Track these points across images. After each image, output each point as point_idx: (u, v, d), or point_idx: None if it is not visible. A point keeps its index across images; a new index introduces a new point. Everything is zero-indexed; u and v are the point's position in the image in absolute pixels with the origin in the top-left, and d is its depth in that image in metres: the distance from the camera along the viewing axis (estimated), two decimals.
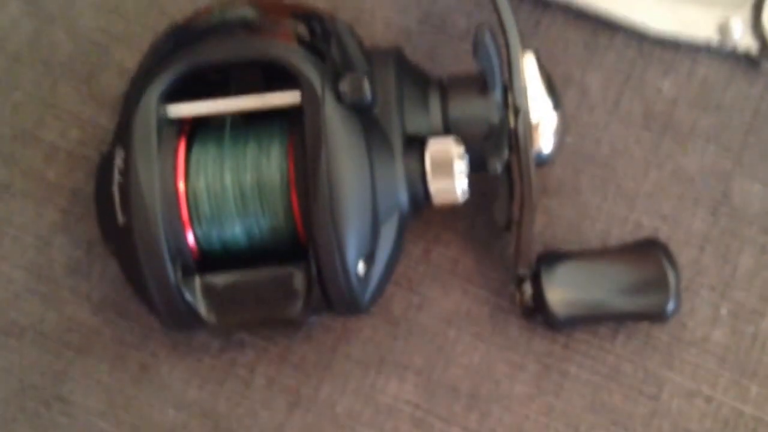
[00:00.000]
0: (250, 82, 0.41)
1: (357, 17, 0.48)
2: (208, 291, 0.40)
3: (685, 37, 0.47)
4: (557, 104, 0.42)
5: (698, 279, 0.45)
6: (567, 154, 0.45)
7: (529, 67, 0.42)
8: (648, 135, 0.46)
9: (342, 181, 0.38)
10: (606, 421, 0.43)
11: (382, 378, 0.44)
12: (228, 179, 0.40)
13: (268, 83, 0.41)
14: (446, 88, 0.42)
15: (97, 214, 0.41)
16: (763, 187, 0.46)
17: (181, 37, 0.41)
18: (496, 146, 0.41)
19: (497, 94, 0.41)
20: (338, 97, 0.39)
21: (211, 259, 0.40)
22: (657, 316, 0.43)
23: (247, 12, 0.42)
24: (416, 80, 0.42)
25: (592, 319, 0.43)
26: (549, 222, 0.45)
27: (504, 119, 0.41)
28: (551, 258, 0.43)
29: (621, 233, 0.45)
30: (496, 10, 0.41)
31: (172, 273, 0.39)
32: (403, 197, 0.40)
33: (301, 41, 0.40)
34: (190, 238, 0.40)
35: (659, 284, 0.42)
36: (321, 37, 0.41)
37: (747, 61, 0.47)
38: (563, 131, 0.43)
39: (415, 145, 0.40)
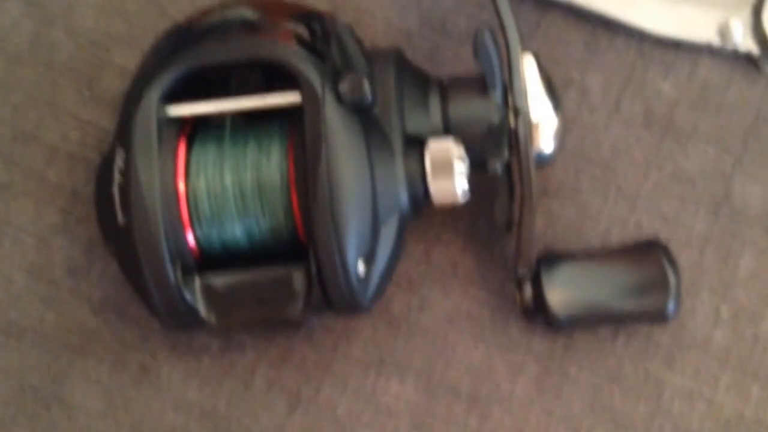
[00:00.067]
0: (251, 82, 0.41)
1: (357, 18, 0.48)
2: (208, 291, 0.40)
3: (686, 38, 0.47)
4: (557, 105, 0.42)
5: (699, 280, 0.45)
6: (567, 154, 0.45)
7: (529, 67, 0.42)
8: (648, 136, 0.46)
9: (342, 181, 0.38)
10: (606, 423, 0.43)
11: (383, 379, 0.44)
12: (228, 179, 0.40)
13: (268, 84, 0.41)
14: (446, 88, 0.42)
15: (97, 215, 0.41)
16: (763, 188, 0.46)
17: (182, 38, 0.41)
18: (496, 147, 0.41)
19: (497, 95, 0.41)
20: (338, 97, 0.39)
21: (211, 259, 0.40)
22: (657, 317, 0.43)
23: (248, 13, 0.42)
24: (416, 81, 0.42)
25: (592, 320, 0.43)
26: (549, 223, 0.45)
27: (504, 120, 0.41)
28: (552, 259, 0.43)
29: (621, 234, 0.45)
30: (496, 11, 0.41)
31: (172, 273, 0.39)
32: (403, 197, 0.40)
33: (301, 42, 0.40)
34: (190, 238, 0.40)
35: (660, 285, 0.42)
36: (321, 37, 0.41)
37: (747, 63, 0.47)
38: (563, 132, 0.43)
39: (415, 145, 0.40)
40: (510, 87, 0.41)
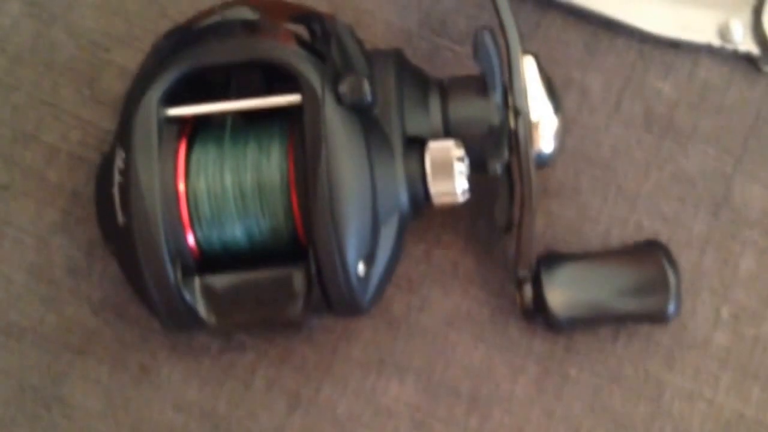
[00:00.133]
0: (251, 83, 0.41)
1: (358, 19, 0.48)
2: (208, 292, 0.40)
3: (686, 38, 0.47)
4: (557, 106, 0.42)
5: (699, 281, 0.45)
6: (567, 155, 0.45)
7: (529, 68, 0.42)
8: (649, 137, 0.46)
9: (342, 181, 0.38)
10: (607, 423, 0.43)
11: (383, 379, 0.44)
12: (228, 180, 0.40)
13: (268, 84, 0.41)
14: (446, 89, 0.42)
15: (97, 215, 0.41)
16: (763, 189, 0.46)
17: (182, 39, 0.41)
18: (496, 147, 0.41)
19: (497, 96, 0.41)
20: (338, 98, 0.39)
21: (211, 259, 0.40)
22: (658, 318, 0.43)
23: (248, 13, 0.41)
24: (416, 81, 0.42)
25: (592, 321, 0.43)
26: (549, 223, 0.45)
27: (504, 120, 0.41)
28: (552, 259, 0.43)
29: (622, 235, 0.45)
30: (497, 11, 0.41)
31: (172, 274, 0.39)
32: (404, 198, 0.40)
33: (301, 42, 0.40)
34: (190, 239, 0.40)
35: (660, 286, 0.42)
36: (321, 38, 0.41)
37: (747, 63, 0.47)
38: (563, 133, 0.43)
39: (416, 146, 0.40)
40: (510, 87, 0.41)
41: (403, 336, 0.44)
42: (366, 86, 0.39)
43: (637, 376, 0.44)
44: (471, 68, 0.42)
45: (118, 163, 0.39)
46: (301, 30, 0.42)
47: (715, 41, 0.47)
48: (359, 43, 0.42)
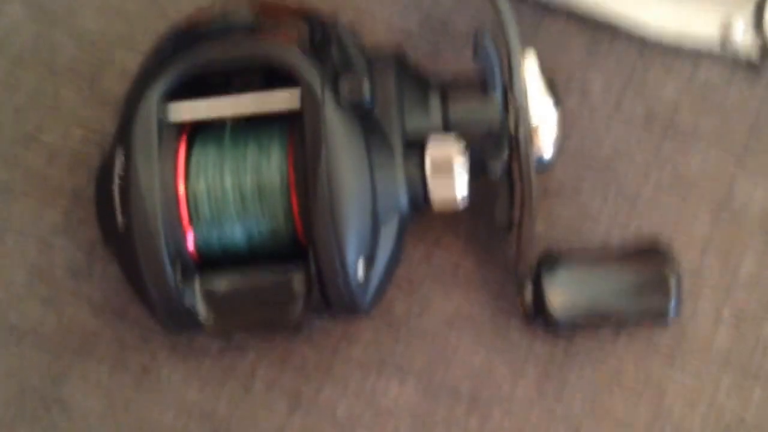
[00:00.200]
0: (250, 84, 0.41)
1: (358, 19, 0.48)
2: (208, 293, 0.40)
3: (687, 39, 0.47)
4: (558, 106, 0.42)
5: (700, 282, 0.44)
6: (568, 156, 0.45)
7: (529, 68, 0.42)
8: (649, 137, 0.46)
9: (342, 182, 0.38)
10: (607, 425, 0.43)
11: (383, 381, 0.44)
12: (228, 181, 0.40)
13: (268, 85, 0.41)
14: (446, 89, 0.42)
15: (97, 216, 0.41)
16: (765, 189, 0.45)
17: (182, 39, 0.41)
18: (497, 148, 0.41)
19: (498, 96, 0.41)
20: (338, 98, 0.39)
21: (210, 260, 0.40)
22: (659, 319, 0.43)
23: (248, 14, 0.41)
24: (416, 82, 0.42)
25: (593, 322, 0.43)
26: (550, 224, 0.45)
27: (504, 121, 0.41)
28: (552, 260, 0.43)
29: (622, 235, 0.45)
30: (497, 11, 0.41)
31: (171, 275, 0.39)
32: (404, 199, 0.40)
33: (301, 43, 0.40)
34: (190, 240, 0.40)
35: (661, 287, 0.42)
36: (321, 38, 0.41)
37: (749, 64, 0.47)
38: (564, 133, 0.43)
39: (416, 146, 0.40)
40: (510, 88, 0.41)
41: (403, 337, 0.44)
42: (366, 86, 0.39)
43: (637, 378, 0.43)
44: (471, 68, 0.42)
45: (118, 164, 0.39)
46: (302, 30, 0.42)
47: (716, 41, 0.46)
48: (359, 43, 0.42)
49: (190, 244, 0.40)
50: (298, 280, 0.39)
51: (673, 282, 0.42)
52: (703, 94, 0.47)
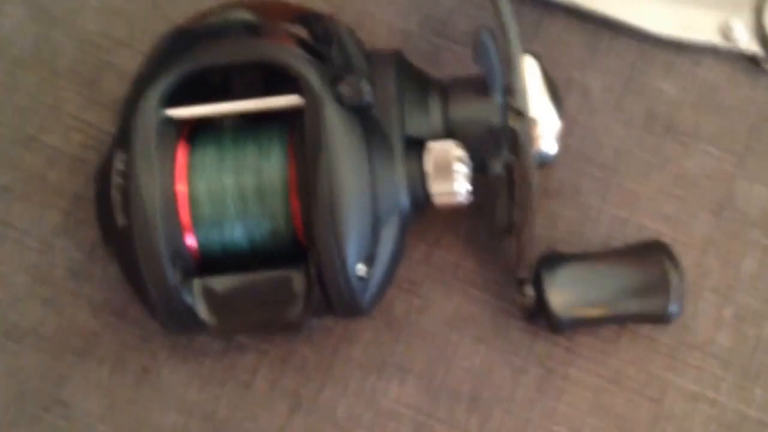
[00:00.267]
0: (251, 85, 0.41)
1: (358, 20, 0.48)
2: (208, 294, 0.40)
3: (687, 38, 0.47)
4: (559, 106, 0.42)
5: (701, 281, 0.44)
6: (568, 155, 0.45)
7: (530, 69, 0.42)
8: (650, 137, 0.46)
9: (342, 183, 0.38)
10: (609, 425, 0.43)
11: (383, 381, 0.44)
12: (228, 181, 0.40)
13: (268, 86, 0.41)
14: (447, 90, 0.42)
15: (97, 217, 0.41)
16: (766, 188, 0.45)
17: (182, 40, 0.41)
18: (497, 148, 0.41)
19: (498, 97, 0.41)
20: (338, 99, 0.39)
21: (211, 261, 0.40)
22: (660, 319, 0.43)
23: (248, 15, 0.41)
24: (417, 82, 0.42)
25: (594, 322, 0.43)
26: (550, 224, 0.45)
27: (504, 121, 0.41)
28: (553, 260, 0.43)
29: (623, 235, 0.45)
30: (497, 12, 0.41)
31: (171, 276, 0.39)
32: (404, 199, 0.40)
33: (301, 44, 0.40)
34: (190, 241, 0.40)
35: (662, 286, 0.42)
36: (322, 39, 0.41)
37: (749, 63, 0.47)
38: (564, 133, 0.43)
39: (416, 146, 0.40)
40: (510, 88, 0.41)
41: (403, 337, 0.44)
42: (366, 87, 0.39)
43: (639, 377, 0.43)
44: (471, 69, 0.42)
45: (118, 164, 0.39)
46: (302, 31, 0.42)
47: (716, 41, 0.46)
48: (359, 44, 0.42)
49: (191, 245, 0.40)
50: (298, 281, 0.39)
51: (674, 281, 0.42)
52: (703, 94, 0.47)
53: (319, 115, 0.38)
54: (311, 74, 0.39)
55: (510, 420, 0.43)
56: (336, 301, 0.39)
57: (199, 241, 0.40)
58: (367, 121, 0.39)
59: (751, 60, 0.47)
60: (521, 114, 0.40)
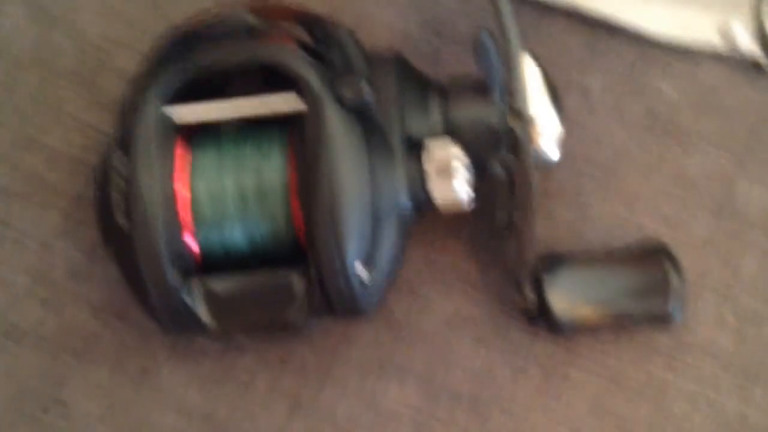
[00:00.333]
0: (250, 86, 0.41)
1: (358, 21, 0.47)
2: (208, 295, 0.40)
3: (686, 39, 0.47)
4: (560, 112, 0.42)
5: (701, 282, 0.44)
6: (568, 156, 0.45)
7: (530, 71, 0.42)
8: (650, 138, 0.46)
9: (342, 184, 0.38)
10: (609, 425, 0.43)
11: (383, 382, 0.44)
12: (228, 182, 0.40)
13: (268, 87, 0.41)
14: (447, 91, 0.42)
15: (97, 218, 0.41)
16: (766, 189, 0.45)
17: (182, 41, 0.41)
18: (497, 149, 0.41)
19: (498, 97, 0.41)
20: (339, 100, 0.39)
21: (211, 262, 0.40)
22: (660, 320, 0.43)
23: (248, 16, 0.42)
24: (417, 83, 0.42)
25: (594, 323, 0.43)
26: (550, 225, 0.45)
27: (504, 122, 0.41)
28: (553, 261, 0.43)
29: (623, 236, 0.45)
30: (496, 12, 0.41)
31: (171, 277, 0.39)
32: (404, 200, 0.40)
33: (302, 45, 0.40)
34: (190, 242, 0.40)
35: (662, 287, 0.42)
36: (322, 41, 0.41)
37: (748, 64, 0.47)
38: (564, 134, 0.43)
39: (416, 148, 0.40)
40: (510, 89, 0.41)
41: (403, 338, 0.44)
42: (365, 88, 0.39)
43: (638, 378, 0.43)
44: (471, 69, 0.42)
45: (118, 165, 0.39)
46: (302, 33, 0.42)
47: (716, 42, 0.46)
48: (359, 45, 0.42)
49: (191, 246, 0.40)
50: (298, 282, 0.39)
51: (674, 282, 0.42)
52: (703, 94, 0.47)
53: (319, 116, 0.38)
54: (311, 75, 0.39)
55: (510, 420, 0.43)
56: (336, 302, 0.39)
57: (199, 242, 0.40)
58: (367, 122, 0.39)
59: (751, 61, 0.47)
60: (521, 114, 0.40)
